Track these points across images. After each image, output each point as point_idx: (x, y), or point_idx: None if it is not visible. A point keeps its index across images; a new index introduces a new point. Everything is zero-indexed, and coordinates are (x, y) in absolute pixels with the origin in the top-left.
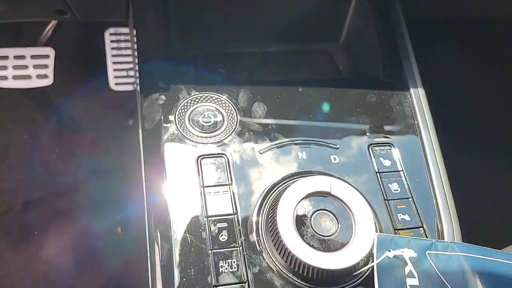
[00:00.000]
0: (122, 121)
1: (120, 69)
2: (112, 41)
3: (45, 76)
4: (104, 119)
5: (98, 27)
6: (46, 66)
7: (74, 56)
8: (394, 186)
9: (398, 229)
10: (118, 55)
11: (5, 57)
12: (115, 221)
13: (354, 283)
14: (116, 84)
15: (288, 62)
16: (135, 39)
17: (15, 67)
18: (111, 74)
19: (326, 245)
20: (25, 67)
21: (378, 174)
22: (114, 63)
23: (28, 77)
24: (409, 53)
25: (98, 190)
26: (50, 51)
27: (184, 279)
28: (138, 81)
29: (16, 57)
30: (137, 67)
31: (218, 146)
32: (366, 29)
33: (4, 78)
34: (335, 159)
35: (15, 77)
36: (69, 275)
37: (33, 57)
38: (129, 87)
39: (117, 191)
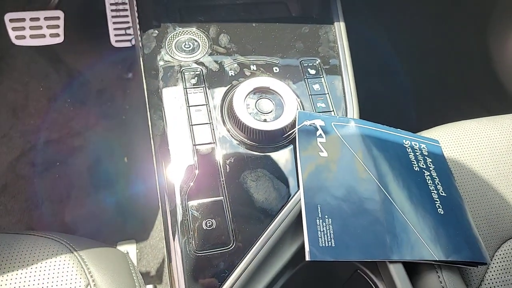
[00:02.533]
0: (123, 74)
1: (119, 28)
2: (111, 4)
3: (56, 35)
4: (107, 72)
5: None
6: (57, 26)
7: (80, 18)
8: (316, 86)
9: (316, 112)
10: (117, 16)
11: (22, 19)
12: (121, 153)
13: (285, 142)
14: (116, 41)
15: (252, 12)
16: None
17: (31, 28)
18: (111, 32)
19: (266, 118)
20: (40, 27)
21: (305, 79)
22: (114, 23)
23: (43, 35)
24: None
25: (106, 130)
26: (60, 13)
27: (175, 147)
28: (136, 28)
29: (32, 19)
30: (135, 19)
31: (195, 62)
32: None
33: (22, 37)
34: (276, 70)
35: (32, 36)
36: (87, 193)
37: (46, 18)
38: (127, 44)
39: (122, 130)
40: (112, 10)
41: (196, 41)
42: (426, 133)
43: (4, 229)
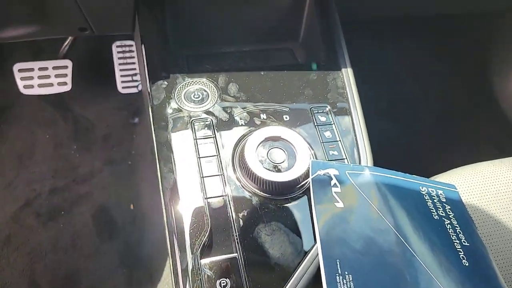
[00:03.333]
0: (129, 119)
1: (126, 75)
2: (118, 52)
3: (64, 84)
4: (114, 118)
5: (106, 41)
6: (65, 75)
7: (88, 65)
8: (328, 133)
9: (329, 160)
10: (124, 63)
11: (31, 69)
12: (127, 199)
13: (299, 193)
14: (123, 87)
15: (259, 58)
16: (142, 47)
17: (39, 77)
18: (118, 79)
19: (278, 168)
20: (48, 76)
21: (316, 126)
22: (120, 70)
23: (51, 84)
24: (342, 44)
25: (111, 176)
26: (68, 63)
27: (186, 201)
28: (145, 78)
29: (40, 69)
30: (144, 69)
31: (205, 112)
32: (315, 28)
33: (30, 86)
34: (286, 118)
35: (40, 85)
36: (93, 243)
37: (54, 68)
38: (134, 90)
39: (128, 176)
40: (119, 58)
41: (205, 91)
42: (441, 177)
43: (6, 284)
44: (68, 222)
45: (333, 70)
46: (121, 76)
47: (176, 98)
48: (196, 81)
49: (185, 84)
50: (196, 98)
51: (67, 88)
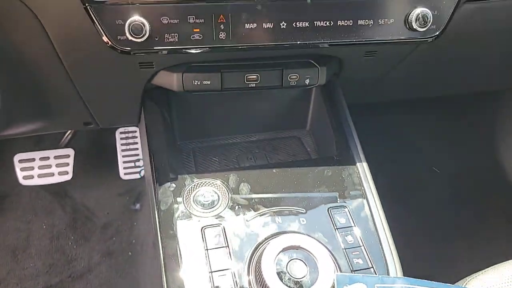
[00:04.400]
0: (131, 205)
1: (128, 161)
2: (121, 138)
3: (65, 173)
4: (114, 205)
5: (110, 128)
6: (67, 164)
7: (90, 153)
8: (349, 238)
9: (354, 270)
10: (126, 149)
11: (32, 159)
12: None
13: None
14: (125, 174)
15: (267, 148)
16: (147, 142)
17: (40, 167)
18: (121, 165)
19: (299, 284)
20: (49, 166)
21: (336, 230)
22: (123, 156)
23: (51, 174)
24: (354, 135)
25: (110, 269)
26: (70, 151)
27: None
28: (149, 168)
29: (42, 159)
30: (147, 160)
31: (216, 218)
32: (323, 117)
33: (30, 177)
34: (303, 221)
35: (40, 176)
36: None
37: (56, 157)
38: (136, 176)
39: (127, 268)
40: (122, 144)
41: (215, 193)
42: (485, 274)
43: None
44: None
45: (348, 165)
46: (124, 162)
47: (184, 202)
48: (205, 182)
49: (194, 186)
50: (206, 201)
51: (68, 177)
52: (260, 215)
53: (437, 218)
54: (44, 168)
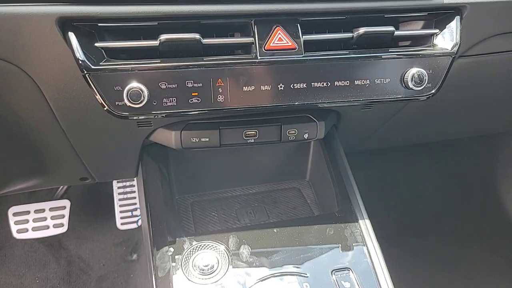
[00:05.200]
0: (127, 256)
1: (125, 210)
2: (119, 188)
3: (61, 225)
4: (110, 256)
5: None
6: (62, 216)
7: (86, 204)
8: None
9: None
10: (124, 198)
11: (27, 212)
12: None
13: None
14: (122, 224)
15: (266, 200)
16: (143, 196)
17: (35, 220)
18: (117, 215)
19: None
20: (44, 218)
21: None
22: (120, 205)
23: (46, 227)
24: (354, 188)
25: None
26: (66, 203)
27: None
28: (146, 225)
29: (37, 211)
30: (145, 217)
31: (216, 285)
32: (322, 168)
33: (24, 230)
34: (306, 286)
35: (34, 229)
36: None
37: (51, 209)
38: (133, 225)
39: None
40: (119, 194)
41: (215, 257)
42: None
43: None
44: None
45: (350, 222)
46: (121, 212)
47: (183, 268)
48: (204, 245)
49: (193, 249)
50: (205, 266)
51: (63, 229)
52: (261, 280)
53: (441, 261)
54: (39, 221)
